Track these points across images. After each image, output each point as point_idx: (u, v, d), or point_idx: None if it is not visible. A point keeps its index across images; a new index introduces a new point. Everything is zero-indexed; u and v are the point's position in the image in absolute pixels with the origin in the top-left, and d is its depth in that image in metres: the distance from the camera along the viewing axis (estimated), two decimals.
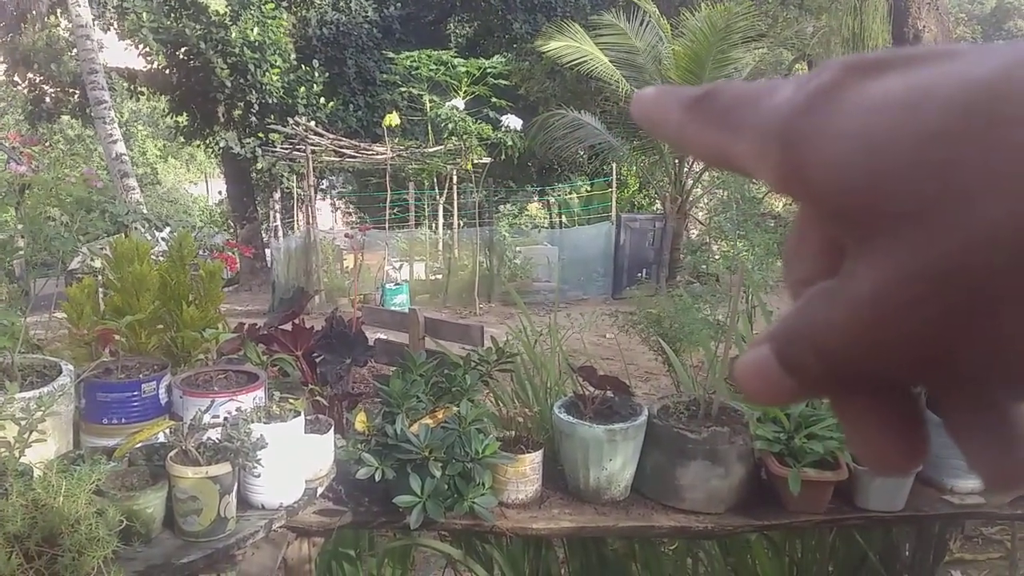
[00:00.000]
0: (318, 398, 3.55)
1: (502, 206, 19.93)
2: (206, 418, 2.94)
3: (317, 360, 3.78)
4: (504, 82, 14.06)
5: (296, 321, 3.82)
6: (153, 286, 4.21)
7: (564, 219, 20.55)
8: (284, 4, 16.91)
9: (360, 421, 3.28)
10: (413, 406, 3.26)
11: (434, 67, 13.52)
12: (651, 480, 3.58)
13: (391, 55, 14.88)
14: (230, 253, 8.91)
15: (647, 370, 7.38)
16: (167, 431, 3.01)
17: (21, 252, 4.20)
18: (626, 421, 3.36)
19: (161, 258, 5.17)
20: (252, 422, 2.95)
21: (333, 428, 3.40)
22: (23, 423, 2.70)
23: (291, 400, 3.23)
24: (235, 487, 2.87)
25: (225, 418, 3.01)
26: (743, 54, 13.23)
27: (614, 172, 15.29)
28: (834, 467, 3.10)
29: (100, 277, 4.83)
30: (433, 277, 13.96)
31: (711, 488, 3.12)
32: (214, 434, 2.93)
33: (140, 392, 3.22)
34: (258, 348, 3.76)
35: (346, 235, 12.79)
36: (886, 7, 8.08)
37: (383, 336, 5.42)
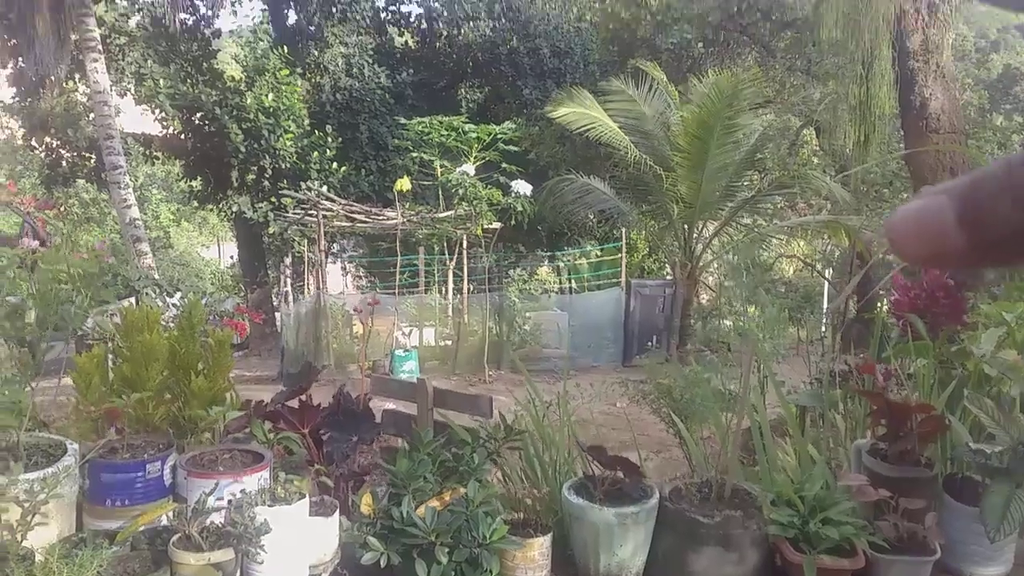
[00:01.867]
0: (323, 478, 3.51)
1: (512, 270, 19.99)
2: (210, 500, 2.89)
3: (324, 438, 3.74)
4: (514, 147, 14.23)
5: (303, 397, 3.80)
6: (162, 355, 4.20)
7: (574, 284, 20.57)
8: (299, 71, 17.26)
9: (366, 503, 3.23)
10: (420, 487, 3.20)
11: (445, 133, 13.70)
12: (663, 567, 3.49)
13: (403, 121, 15.11)
14: (240, 319, 8.92)
15: (659, 441, 7.28)
16: (170, 514, 2.96)
17: (30, 323, 4.19)
18: (637, 504, 3.29)
19: (171, 324, 5.17)
20: (256, 505, 2.90)
21: (338, 510, 3.34)
22: (26, 505, 2.66)
23: (296, 481, 3.18)
24: (237, 574, 2.80)
25: (229, 501, 2.96)
26: (751, 120, 13.36)
27: (624, 237, 15.35)
28: (851, 554, 3.02)
29: (110, 344, 4.82)
30: (443, 343, 13.92)
31: None
32: (218, 517, 2.88)
33: (145, 473, 3.18)
34: (264, 426, 3.73)
35: (355, 308, 12.74)
36: (892, 75, 8.17)
37: (391, 406, 5.36)
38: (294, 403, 3.84)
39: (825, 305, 15.93)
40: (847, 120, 9.36)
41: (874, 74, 8.38)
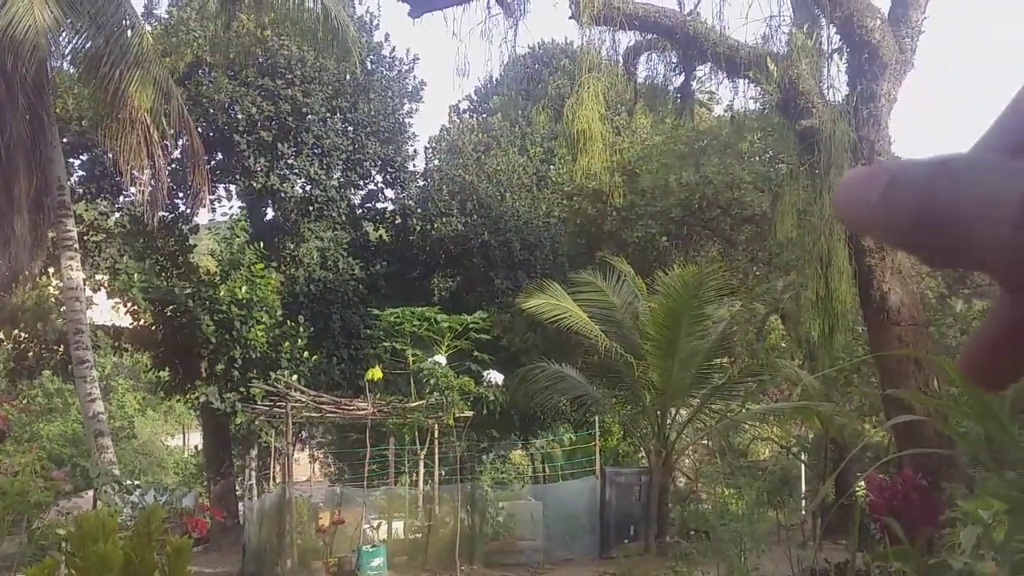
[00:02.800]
0: None
1: (485, 456, 19.62)
2: None
3: None
4: (485, 336, 14.34)
5: None
6: (117, 566, 3.97)
7: (548, 471, 20.19)
8: (274, 264, 17.59)
9: None
10: None
11: (417, 323, 13.81)
12: None
13: (376, 311, 15.27)
14: (201, 516, 8.58)
15: None
16: None
17: None
18: None
19: (129, 522, 4.94)
20: None
21: None
22: None
23: None
24: None
25: None
26: (717, 308, 13.69)
27: (597, 425, 15.26)
28: None
29: (63, 547, 4.57)
30: (412, 536, 13.39)
31: None
32: None
33: None
34: None
35: (319, 530, 12.10)
36: (851, 270, 8.48)
37: None
38: None
39: (803, 488, 15.70)
40: (811, 311, 9.62)
41: (832, 270, 8.69)
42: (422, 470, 14.02)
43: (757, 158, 17.18)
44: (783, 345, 17.75)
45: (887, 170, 0.36)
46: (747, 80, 10.35)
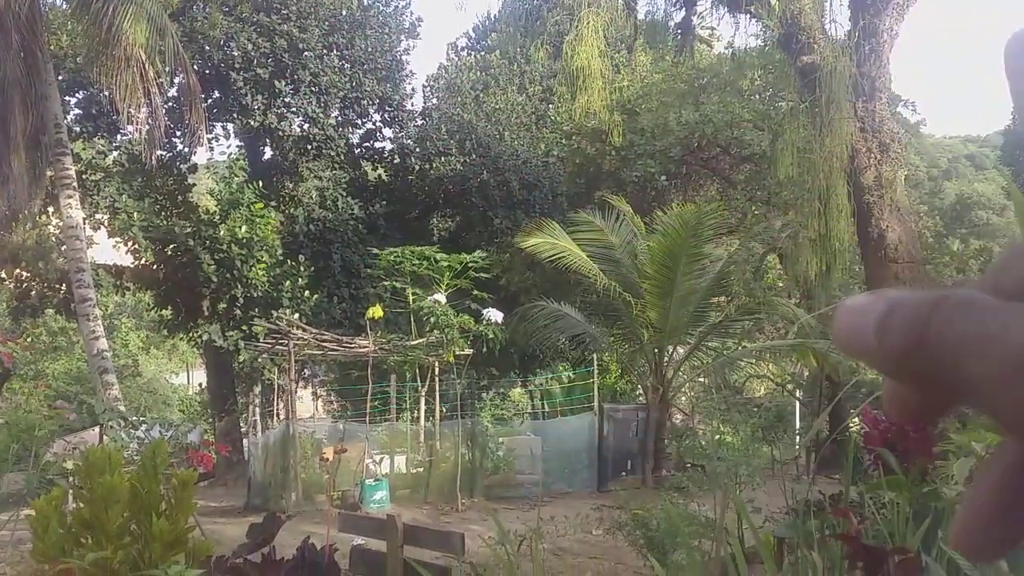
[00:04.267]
0: None
1: (485, 394, 19.88)
2: None
3: None
4: (485, 275, 14.42)
5: (266, 551, 3.69)
6: (123, 497, 4.09)
7: (547, 407, 20.46)
8: (273, 203, 17.55)
9: None
10: None
11: (417, 262, 13.88)
12: None
13: (375, 250, 15.32)
14: (206, 451, 8.74)
15: (635, 570, 7.12)
16: None
17: None
18: None
19: (135, 458, 5.07)
20: None
21: None
22: None
23: None
24: None
25: None
26: (715, 248, 13.75)
27: (595, 363, 15.43)
28: None
29: (70, 480, 4.70)
30: (414, 470, 13.66)
31: None
32: None
33: None
34: None
35: (322, 458, 12.34)
36: (850, 208, 8.50)
37: (361, 543, 5.23)
38: (256, 558, 3.73)
39: (797, 424, 15.96)
40: (808, 250, 9.65)
41: (831, 208, 8.71)
42: (423, 407, 14.25)
43: (757, 96, 17.04)
44: (779, 284, 17.86)
45: (885, 300, 0.35)
46: (748, 15, 10.24)
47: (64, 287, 15.96)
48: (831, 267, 8.94)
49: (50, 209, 15.76)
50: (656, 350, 14.27)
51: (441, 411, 14.00)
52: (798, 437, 15.37)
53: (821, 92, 8.76)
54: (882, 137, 9.37)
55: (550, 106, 22.27)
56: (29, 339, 19.59)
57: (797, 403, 16.24)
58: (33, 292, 16.69)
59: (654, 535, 4.98)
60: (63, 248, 14.18)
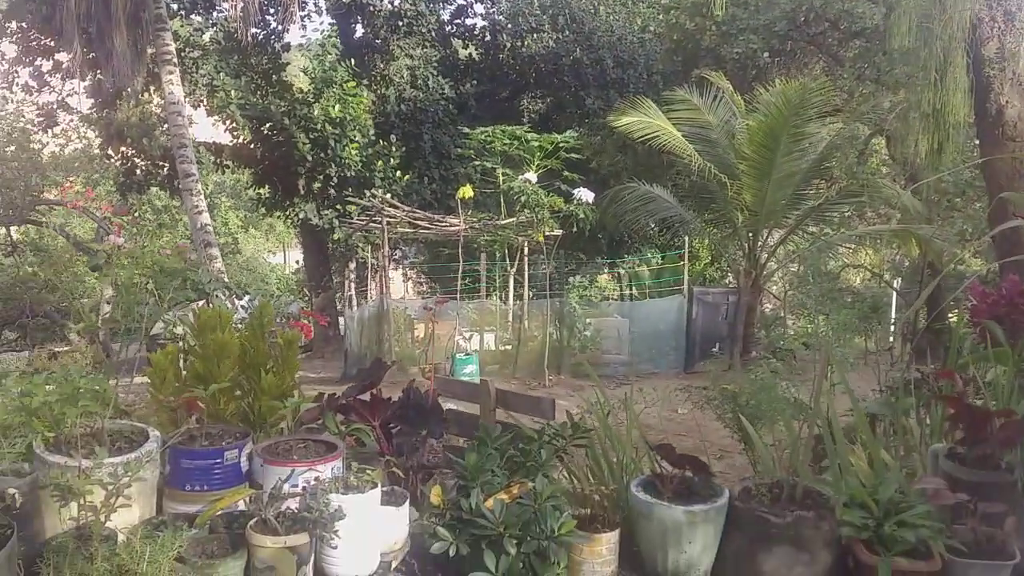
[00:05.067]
0: (394, 469, 3.57)
1: (572, 277, 19.96)
2: (285, 487, 2.97)
3: (394, 431, 3.81)
4: (576, 156, 14.21)
5: (374, 391, 3.87)
6: (234, 353, 4.32)
7: (635, 291, 20.44)
8: (364, 83, 17.53)
9: (435, 494, 3.27)
10: (488, 480, 3.23)
11: (508, 141, 13.75)
12: (732, 566, 3.46)
13: (466, 130, 15.23)
14: (306, 321, 9.09)
15: (721, 447, 7.19)
16: (247, 499, 3.05)
17: (115, 320, 4.34)
18: (706, 502, 3.27)
19: (240, 325, 5.33)
20: (330, 492, 2.96)
21: (408, 500, 3.40)
22: (110, 487, 2.76)
23: (368, 471, 3.25)
24: (312, 558, 2.87)
25: (304, 488, 3.03)
26: (818, 128, 13.14)
27: (686, 245, 15.22)
28: (927, 557, 2.95)
29: (182, 343, 4.98)
30: (503, 348, 13.97)
31: None
32: (293, 503, 2.95)
33: (223, 460, 3.28)
34: (336, 418, 3.81)
35: (424, 307, 12.99)
36: (967, 82, 7.95)
37: (453, 406, 5.41)
38: (365, 397, 3.92)
39: (893, 315, 15.54)
40: (919, 128, 9.12)
41: (947, 82, 8.16)
42: (512, 286, 14.43)
43: None
44: (884, 169, 17.04)
45: None
46: None
47: (167, 165, 16.49)
48: (943, 145, 8.44)
49: (152, 87, 16.13)
50: (750, 234, 13.96)
51: (530, 291, 14.16)
52: (892, 327, 14.99)
53: None
54: (1008, 5, 8.67)
55: None
56: (136, 214, 20.49)
57: (894, 294, 15.77)
58: (138, 170, 17.31)
59: (745, 408, 4.98)
60: (165, 126, 14.55)
